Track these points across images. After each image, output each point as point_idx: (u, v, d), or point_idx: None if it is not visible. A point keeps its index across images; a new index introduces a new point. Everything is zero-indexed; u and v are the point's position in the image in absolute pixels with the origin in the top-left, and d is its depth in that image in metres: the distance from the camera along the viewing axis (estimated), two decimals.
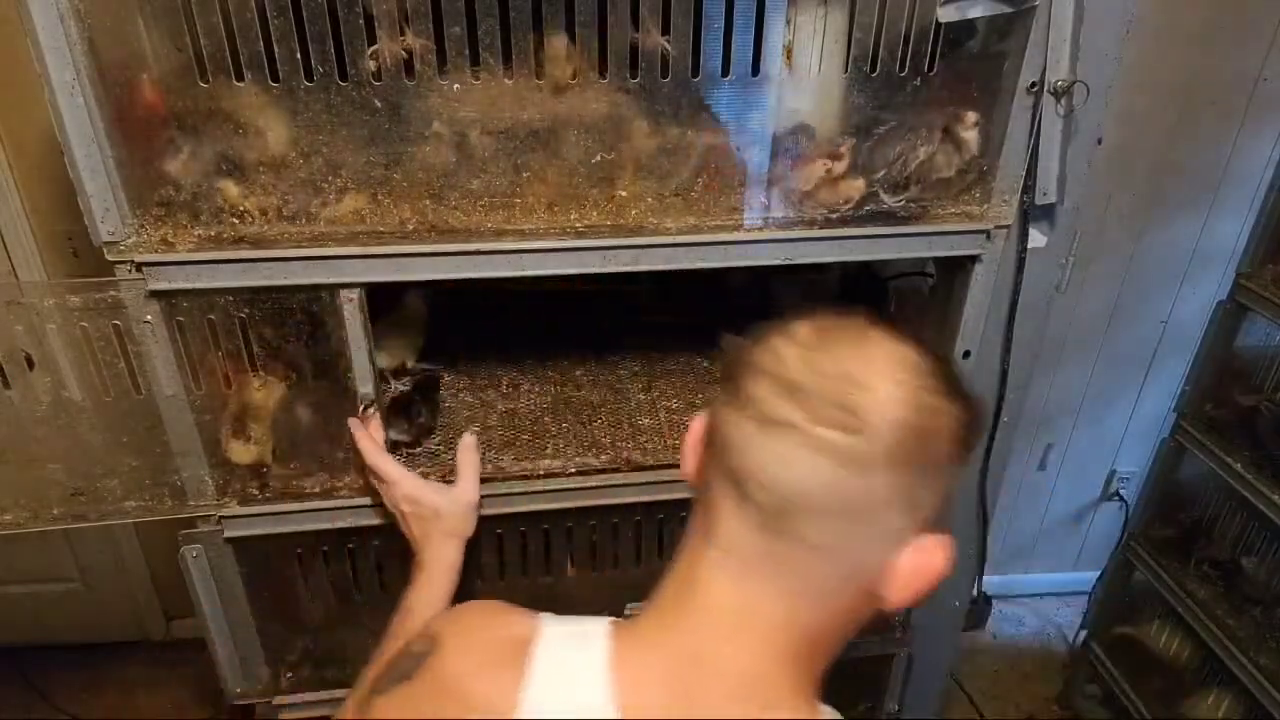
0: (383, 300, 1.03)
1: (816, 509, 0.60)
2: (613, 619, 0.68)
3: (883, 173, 1.04)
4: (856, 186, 1.04)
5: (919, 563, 0.62)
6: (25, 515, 1.07)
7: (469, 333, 1.38)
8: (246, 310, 0.98)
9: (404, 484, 1.04)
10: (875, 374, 0.60)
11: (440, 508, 1.04)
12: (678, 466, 1.15)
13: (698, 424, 0.69)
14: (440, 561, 1.02)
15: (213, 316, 0.98)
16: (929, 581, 0.63)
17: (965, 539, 1.33)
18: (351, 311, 0.99)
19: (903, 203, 1.05)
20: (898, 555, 0.62)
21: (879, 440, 0.58)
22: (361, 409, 1.05)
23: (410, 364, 1.21)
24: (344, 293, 0.98)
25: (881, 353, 0.62)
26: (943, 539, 0.63)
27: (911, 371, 0.61)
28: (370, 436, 1.06)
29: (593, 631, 0.66)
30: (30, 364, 0.98)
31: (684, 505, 1.21)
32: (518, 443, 1.20)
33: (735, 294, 1.49)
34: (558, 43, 0.91)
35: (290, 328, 1.00)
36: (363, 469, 1.08)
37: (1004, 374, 1.19)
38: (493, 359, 1.37)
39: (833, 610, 0.64)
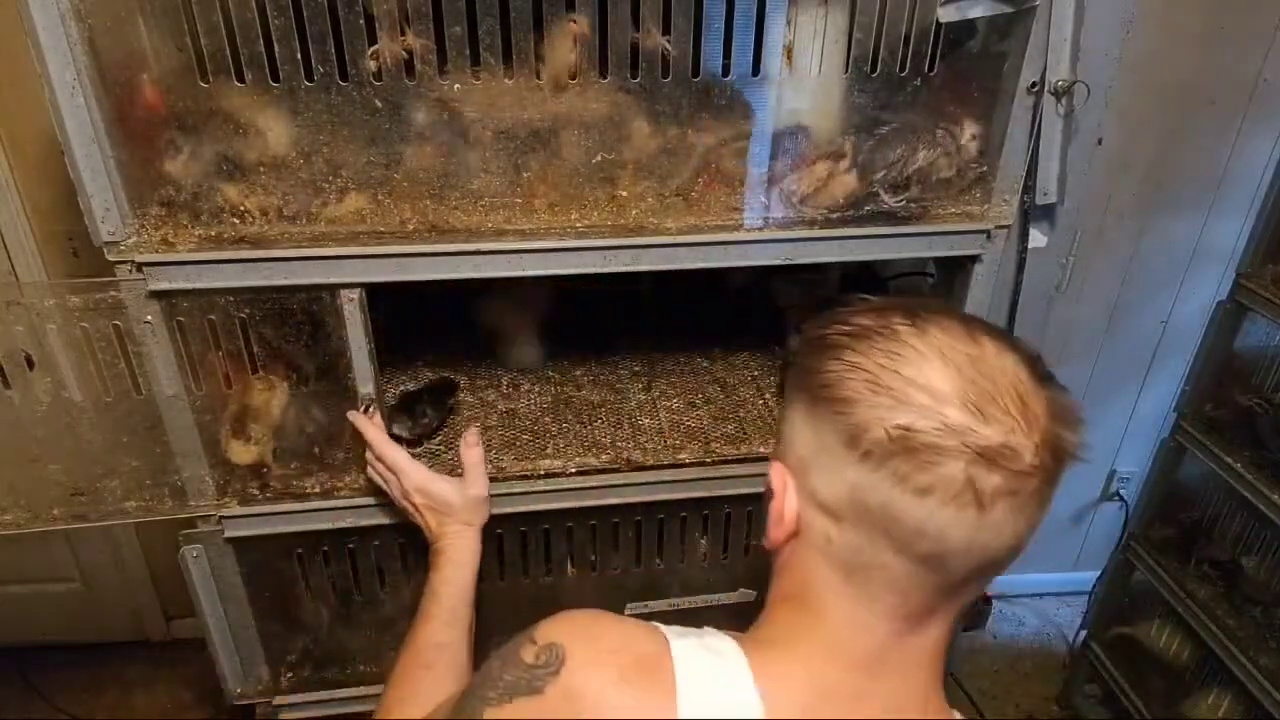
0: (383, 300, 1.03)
1: (1016, 551, 0.59)
2: (733, 634, 0.66)
3: (883, 173, 1.04)
4: (857, 186, 1.04)
5: None
6: (26, 516, 1.07)
7: (469, 333, 1.38)
8: (247, 310, 0.98)
9: (413, 474, 1.04)
10: (1028, 394, 0.57)
11: (451, 499, 1.04)
12: (678, 466, 1.16)
13: (781, 483, 0.64)
14: (462, 550, 1.02)
15: (213, 317, 0.98)
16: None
17: None
18: (352, 311, 0.99)
19: (903, 203, 1.05)
20: None
21: (1060, 461, 0.57)
22: (362, 409, 1.05)
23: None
24: (344, 293, 0.98)
25: (1008, 356, 0.58)
26: None
27: (1035, 372, 0.59)
28: (377, 426, 1.06)
29: (724, 648, 0.63)
30: (30, 364, 0.98)
31: (684, 505, 1.21)
32: (518, 443, 1.20)
33: (735, 293, 1.50)
34: (560, 41, 0.91)
35: (291, 328, 1.00)
36: (365, 465, 1.08)
37: None
38: (492, 359, 1.37)
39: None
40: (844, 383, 0.59)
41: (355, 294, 0.98)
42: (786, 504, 0.63)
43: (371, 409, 1.05)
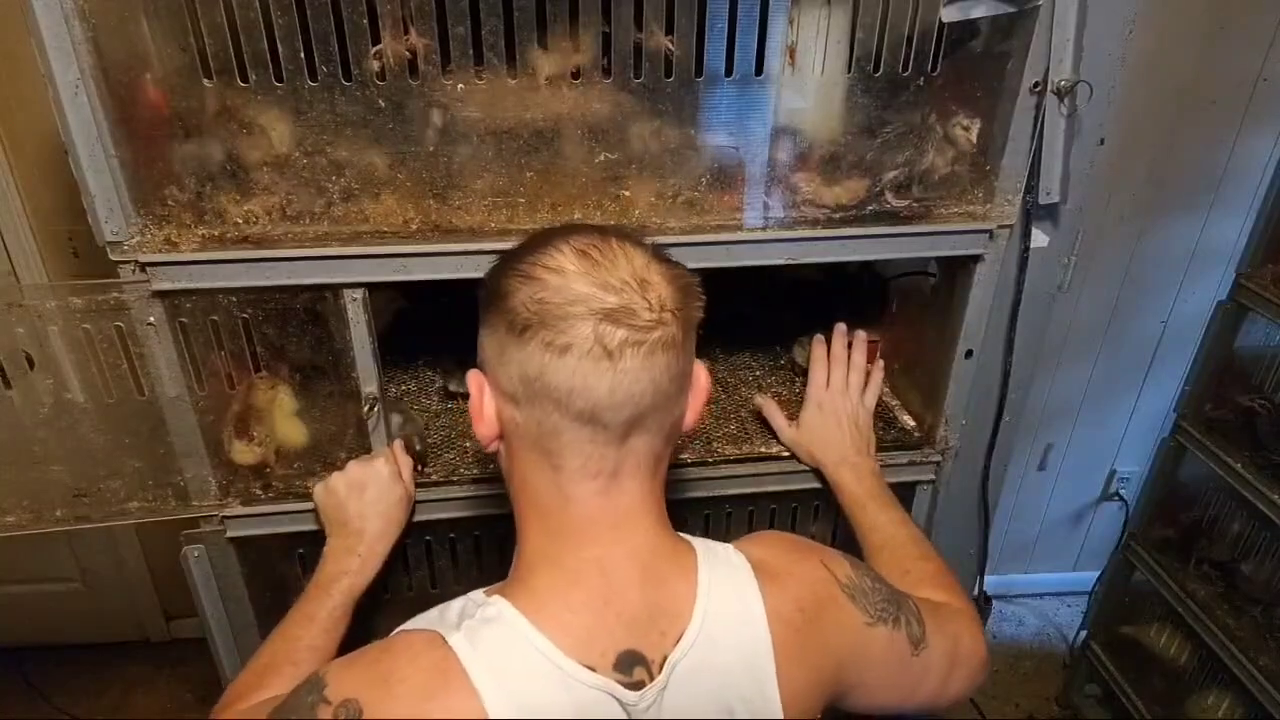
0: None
1: (664, 399, 0.71)
2: (499, 588, 0.74)
3: (885, 173, 1.04)
4: (859, 186, 1.04)
5: (699, 390, 0.78)
6: (28, 517, 1.07)
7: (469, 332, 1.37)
8: (250, 310, 0.98)
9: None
10: (644, 269, 0.70)
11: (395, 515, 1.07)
12: (679, 466, 1.16)
13: (478, 383, 0.75)
14: (377, 560, 1.04)
15: (216, 317, 0.98)
16: (707, 397, 0.79)
17: (966, 539, 1.33)
18: (355, 311, 0.99)
19: (906, 203, 1.06)
20: (691, 394, 0.76)
21: (679, 316, 0.70)
22: (366, 409, 1.05)
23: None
24: (348, 292, 0.98)
25: (630, 249, 0.71)
26: (698, 363, 0.77)
27: (654, 256, 0.72)
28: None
29: (494, 613, 0.71)
30: (31, 365, 0.98)
31: (684, 505, 1.21)
32: None
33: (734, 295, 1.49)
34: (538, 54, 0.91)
35: (294, 328, 1.00)
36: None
37: (1006, 374, 1.19)
38: None
39: (665, 462, 0.77)
40: (505, 282, 0.71)
41: (358, 294, 0.98)
42: (485, 401, 0.75)
43: (375, 409, 1.05)
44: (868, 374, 1.21)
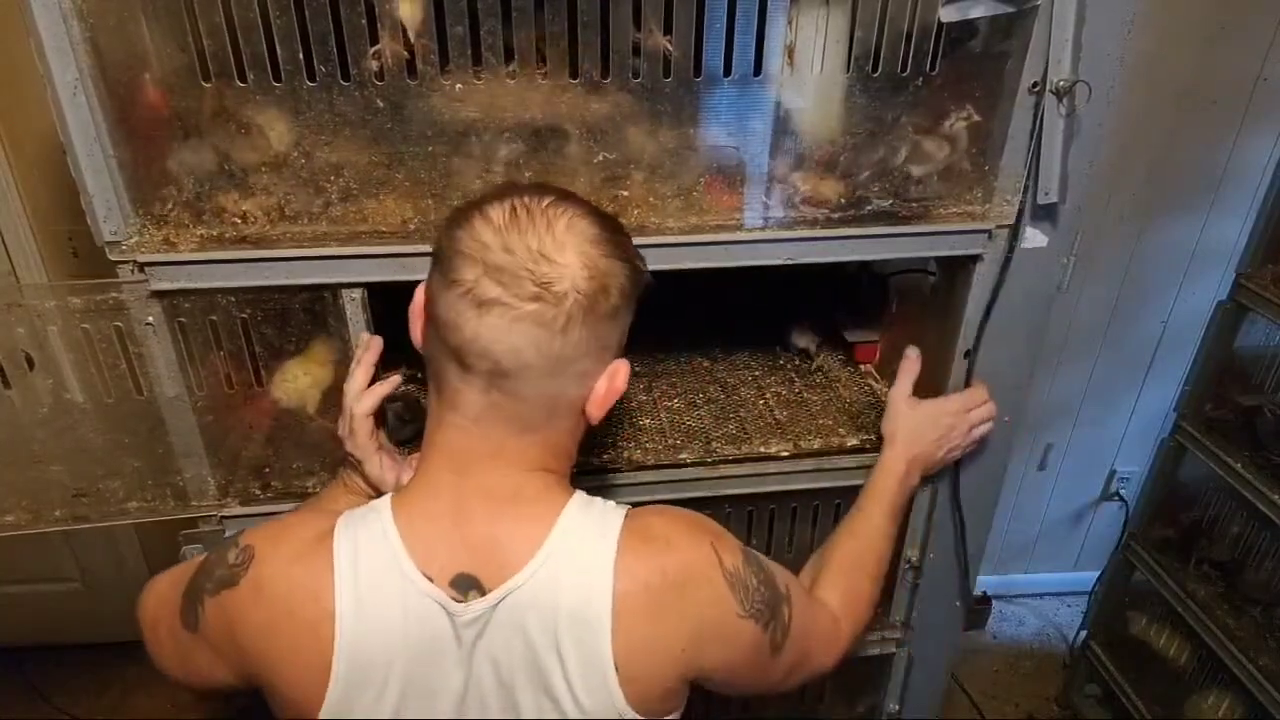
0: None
1: (528, 368, 0.74)
2: (392, 496, 0.81)
3: (884, 173, 1.04)
4: (858, 186, 1.04)
5: (609, 386, 0.80)
6: (27, 517, 1.07)
7: None
8: (249, 310, 0.98)
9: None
10: (560, 248, 0.73)
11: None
12: (679, 466, 1.16)
13: (420, 294, 0.80)
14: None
15: (215, 317, 0.98)
16: (616, 397, 0.81)
17: (964, 539, 1.33)
18: (354, 311, 0.99)
19: (905, 202, 1.06)
20: (596, 384, 0.79)
21: (569, 304, 0.72)
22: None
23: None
24: (346, 292, 0.98)
25: (564, 227, 0.74)
26: (621, 363, 0.80)
27: (591, 241, 0.74)
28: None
29: (376, 504, 0.80)
30: (31, 365, 0.98)
31: (683, 505, 1.21)
32: None
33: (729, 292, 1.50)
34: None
35: (293, 328, 1.00)
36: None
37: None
38: None
39: (558, 429, 0.80)
40: (453, 215, 0.77)
41: (357, 294, 0.98)
42: (424, 308, 0.79)
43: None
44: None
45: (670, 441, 1.21)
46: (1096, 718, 2.25)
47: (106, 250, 0.92)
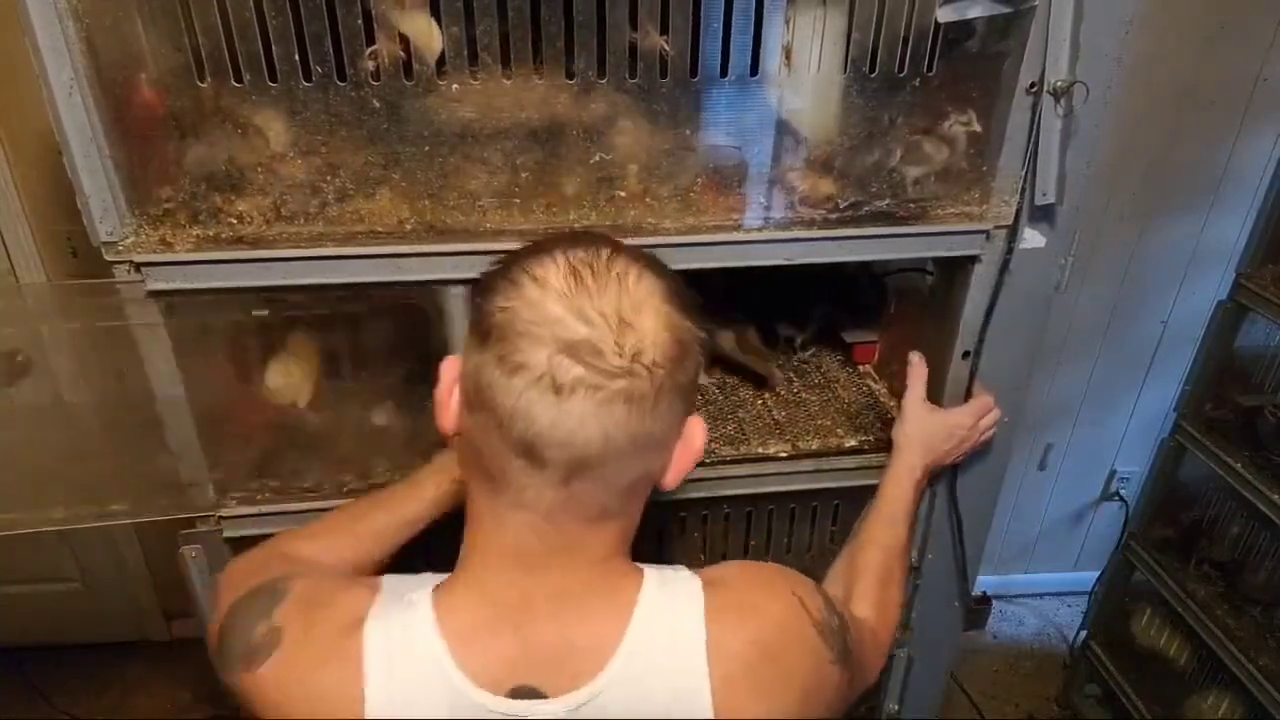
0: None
1: (617, 454, 0.63)
2: (435, 583, 0.71)
3: (882, 173, 1.04)
4: (856, 187, 1.04)
5: (687, 451, 0.70)
6: (26, 516, 1.07)
7: None
8: (246, 310, 0.98)
9: None
10: (633, 309, 0.63)
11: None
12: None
13: (449, 373, 0.70)
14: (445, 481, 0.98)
15: (212, 317, 0.98)
16: (695, 460, 0.71)
17: (962, 540, 1.33)
18: (456, 307, 1.00)
19: (902, 203, 1.05)
20: (673, 451, 0.69)
21: (658, 375, 0.63)
22: None
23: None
24: (451, 289, 0.99)
25: (634, 284, 0.64)
26: (695, 420, 0.71)
27: (661, 298, 0.65)
28: None
29: (417, 598, 0.70)
30: (28, 365, 0.98)
31: (683, 505, 1.21)
32: None
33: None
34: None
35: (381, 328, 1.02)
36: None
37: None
38: None
39: (634, 509, 0.71)
40: (492, 279, 0.66)
41: (459, 290, 0.99)
42: (454, 394, 0.70)
43: None
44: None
45: None
46: (1096, 718, 2.25)
47: (103, 250, 0.92)
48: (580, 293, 0.62)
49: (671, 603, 0.70)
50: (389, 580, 0.73)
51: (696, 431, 0.70)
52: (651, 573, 0.72)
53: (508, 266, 0.66)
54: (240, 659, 0.70)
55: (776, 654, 0.71)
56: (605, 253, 0.65)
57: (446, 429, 0.71)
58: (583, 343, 0.61)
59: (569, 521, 0.67)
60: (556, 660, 0.67)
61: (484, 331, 0.64)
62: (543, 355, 0.61)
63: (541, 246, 0.66)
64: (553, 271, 0.64)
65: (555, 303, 0.62)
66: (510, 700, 0.66)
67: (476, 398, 0.65)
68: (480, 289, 0.67)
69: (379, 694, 0.65)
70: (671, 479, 0.71)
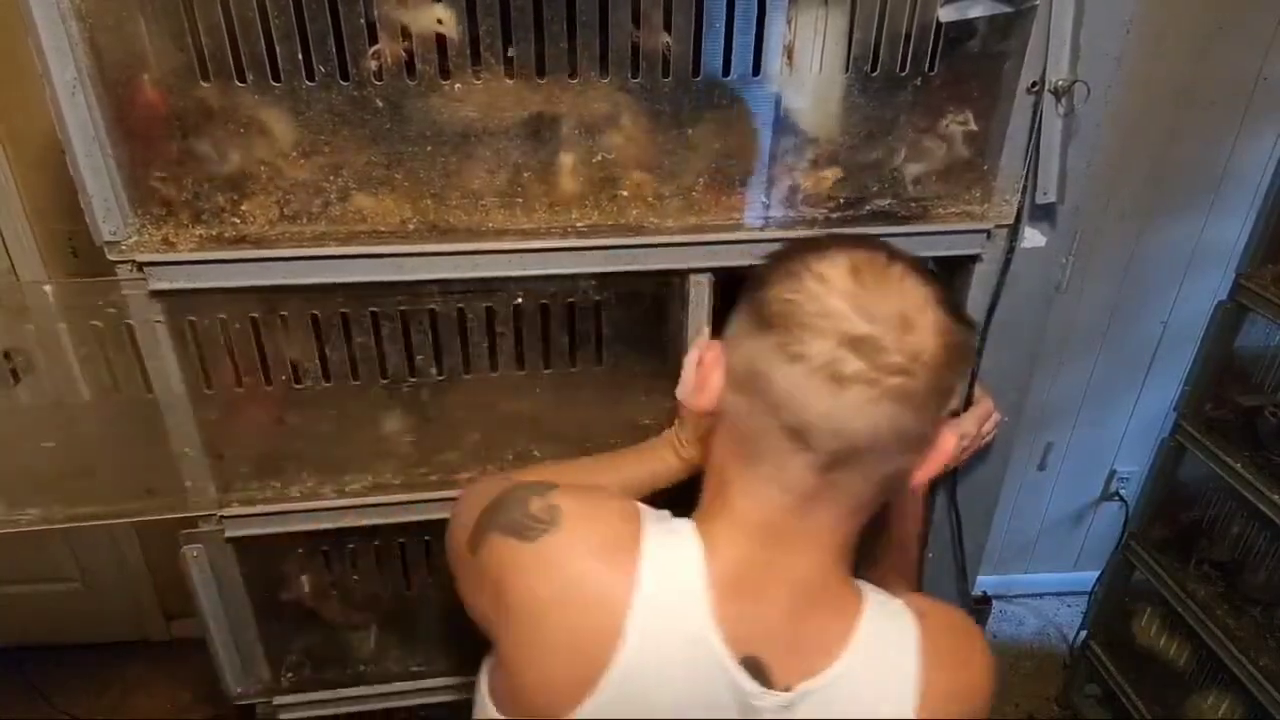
0: None
1: (881, 447, 0.66)
2: (694, 521, 0.74)
3: (883, 172, 1.04)
4: (857, 186, 1.04)
5: (938, 454, 0.71)
6: (26, 515, 1.07)
7: None
8: (248, 310, 0.98)
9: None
10: (915, 310, 0.65)
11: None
12: None
13: (712, 357, 0.73)
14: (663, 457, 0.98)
15: (215, 316, 0.98)
16: (944, 463, 0.72)
17: (962, 539, 1.33)
18: (699, 294, 1.01)
19: (903, 202, 1.06)
20: (926, 453, 0.71)
21: (932, 375, 0.65)
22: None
23: None
24: (694, 277, 1.01)
25: (911, 285, 0.67)
26: (949, 423, 0.72)
27: (936, 301, 0.67)
28: None
29: (682, 527, 0.73)
30: (29, 364, 0.98)
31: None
32: (517, 443, 1.19)
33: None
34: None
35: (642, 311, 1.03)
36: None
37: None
38: None
39: (873, 507, 0.72)
40: (770, 272, 0.69)
41: (704, 278, 1.01)
42: (714, 375, 0.72)
43: None
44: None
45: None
46: (1096, 718, 2.25)
47: (105, 250, 0.92)
48: (862, 291, 0.65)
49: (890, 627, 0.73)
50: (639, 505, 0.75)
51: (948, 435, 0.72)
52: (872, 593, 0.75)
53: (785, 260, 0.69)
54: (512, 527, 0.72)
55: (968, 710, 0.74)
56: (883, 255, 0.68)
57: (702, 407, 0.74)
58: (865, 339, 0.63)
59: (823, 508, 0.69)
60: (784, 644, 0.70)
61: (763, 320, 0.67)
62: (825, 347, 0.64)
63: (819, 243, 0.69)
64: (835, 269, 0.66)
65: (838, 298, 0.65)
66: (741, 669, 0.68)
67: (749, 381, 0.68)
68: (755, 280, 0.71)
69: (644, 607, 0.67)
70: (920, 479, 0.73)
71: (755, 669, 0.69)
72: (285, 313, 0.99)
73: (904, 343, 0.64)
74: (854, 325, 0.64)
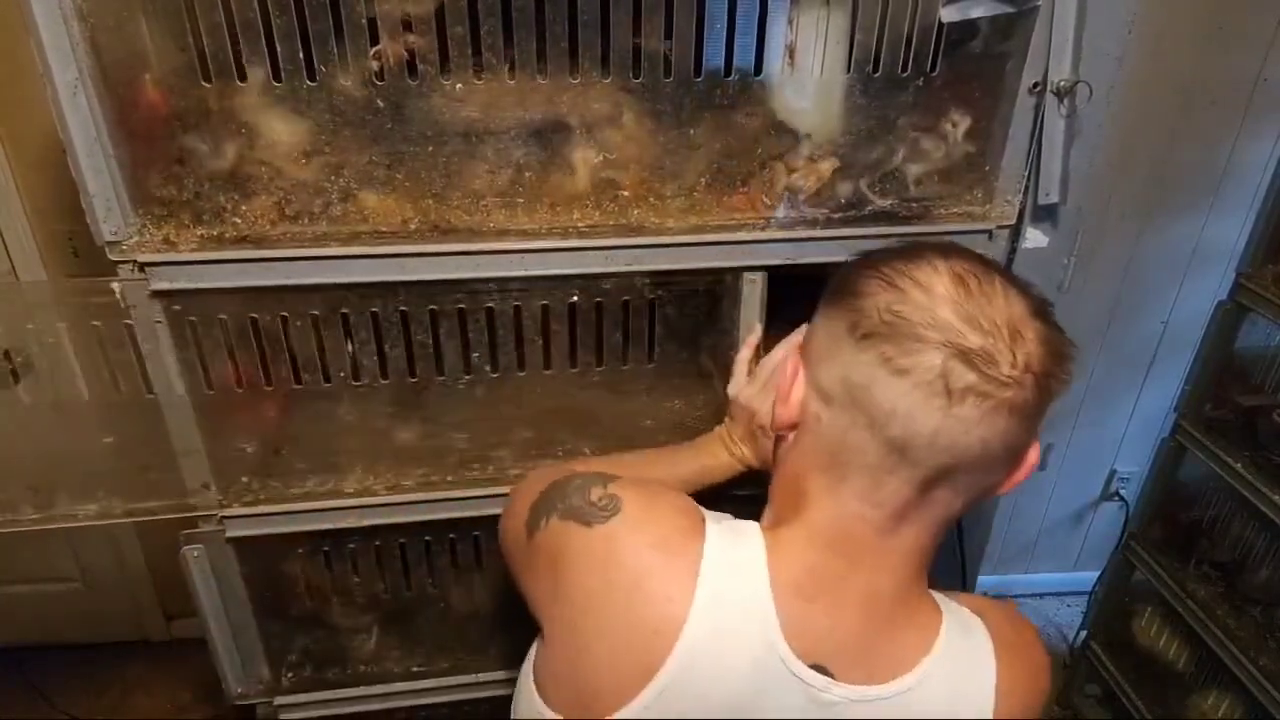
0: None
1: (986, 462, 0.64)
2: (761, 525, 0.73)
3: (885, 173, 1.04)
4: (859, 186, 1.04)
5: (1024, 465, 0.69)
6: (27, 514, 1.07)
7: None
8: (249, 310, 0.98)
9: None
10: (1021, 321, 0.64)
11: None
12: None
13: (793, 369, 0.71)
14: (713, 454, 0.98)
15: (215, 316, 0.98)
16: (1028, 474, 0.70)
17: (962, 539, 1.33)
18: (751, 292, 1.02)
19: (905, 202, 1.06)
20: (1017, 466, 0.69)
21: (1041, 386, 0.64)
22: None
23: None
24: (746, 275, 1.01)
25: (1015, 295, 0.65)
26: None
27: (1037, 312, 0.66)
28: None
29: (747, 528, 0.72)
30: (30, 364, 0.98)
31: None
32: (517, 442, 1.19)
33: None
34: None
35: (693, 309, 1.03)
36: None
37: None
38: None
39: (957, 518, 0.71)
40: (863, 281, 0.67)
41: (757, 276, 1.01)
42: (796, 387, 0.70)
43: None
44: None
45: (670, 441, 1.21)
46: (1096, 718, 2.25)
47: (106, 250, 0.92)
48: (969, 301, 0.63)
49: (969, 645, 0.72)
50: (719, 525, 0.74)
51: (1035, 446, 0.70)
52: (952, 611, 0.74)
53: (875, 268, 0.67)
54: (574, 512, 0.72)
55: (1037, 709, 0.74)
56: (980, 264, 0.66)
57: (784, 422, 0.72)
58: (978, 351, 0.61)
59: (909, 525, 0.68)
60: (855, 655, 0.68)
61: (861, 331, 0.65)
62: (935, 359, 0.61)
63: (914, 252, 0.67)
64: (938, 277, 0.64)
65: (946, 308, 0.63)
66: (811, 670, 0.67)
67: (844, 394, 0.66)
68: (841, 289, 0.69)
69: (706, 605, 0.66)
70: (1005, 491, 0.71)
71: (825, 674, 0.68)
72: (286, 313, 0.99)
73: (1015, 354, 0.62)
74: (965, 337, 0.62)
